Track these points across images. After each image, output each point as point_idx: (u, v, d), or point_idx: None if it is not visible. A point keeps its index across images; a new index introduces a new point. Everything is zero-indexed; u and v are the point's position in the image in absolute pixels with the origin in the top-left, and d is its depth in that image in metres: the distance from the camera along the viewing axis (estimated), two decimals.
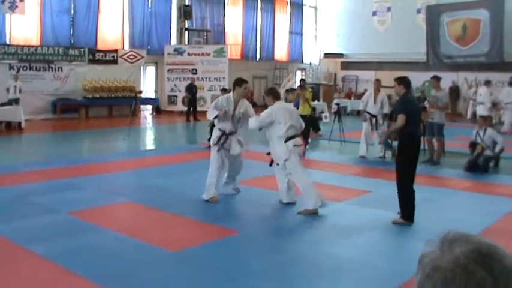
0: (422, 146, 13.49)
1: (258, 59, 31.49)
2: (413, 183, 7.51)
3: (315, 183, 9.64)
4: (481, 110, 16.36)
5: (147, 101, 24.96)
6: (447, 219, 7.70)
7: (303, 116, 9.97)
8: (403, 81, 7.87)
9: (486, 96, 15.59)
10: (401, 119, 7.51)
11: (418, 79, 27.88)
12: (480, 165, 11.65)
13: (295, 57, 33.72)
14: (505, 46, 26.19)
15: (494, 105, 15.32)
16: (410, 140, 7.56)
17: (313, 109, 16.43)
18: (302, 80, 18.59)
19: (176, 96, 25.83)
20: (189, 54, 25.94)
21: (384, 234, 7.01)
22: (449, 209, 8.44)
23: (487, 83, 16.29)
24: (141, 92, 22.06)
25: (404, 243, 6.80)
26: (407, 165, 7.50)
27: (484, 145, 11.86)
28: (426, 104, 14.20)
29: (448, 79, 24.58)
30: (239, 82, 8.93)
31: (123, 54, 24.01)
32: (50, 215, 7.55)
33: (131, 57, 24.12)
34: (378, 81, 13.63)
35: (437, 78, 13.12)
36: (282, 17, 32.85)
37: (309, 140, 14.58)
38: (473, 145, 12.03)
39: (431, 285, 1.10)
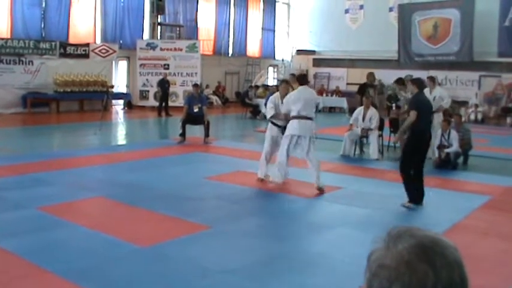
0: (393, 144, 13.85)
1: (230, 54, 31.45)
2: (410, 171, 8.38)
3: (288, 179, 9.75)
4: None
5: (118, 95, 24.80)
6: (417, 215, 7.80)
7: None
8: (416, 82, 8.62)
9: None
10: (413, 114, 8.19)
11: (390, 77, 28.11)
12: (450, 161, 11.82)
13: (268, 54, 33.73)
14: (474, 46, 26.50)
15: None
16: (419, 136, 8.29)
17: None
18: (292, 74, 18.60)
19: (148, 91, 25.70)
20: (161, 49, 25.82)
21: (354, 230, 7.07)
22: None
23: (430, 79, 13.52)
24: (112, 86, 21.90)
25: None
26: (409, 157, 8.37)
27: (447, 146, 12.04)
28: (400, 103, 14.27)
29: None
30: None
31: (95, 48, 23.77)
32: (19, 210, 7.47)
33: (103, 51, 23.90)
34: (367, 99, 13.64)
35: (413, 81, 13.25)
36: (255, 13, 32.85)
37: None
38: (440, 147, 12.17)
39: (378, 283, 1.12)
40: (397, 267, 1.10)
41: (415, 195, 8.33)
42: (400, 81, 13.37)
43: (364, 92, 14.28)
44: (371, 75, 14.66)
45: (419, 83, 8.67)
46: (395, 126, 13.46)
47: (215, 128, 16.66)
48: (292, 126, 9.41)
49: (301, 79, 10.08)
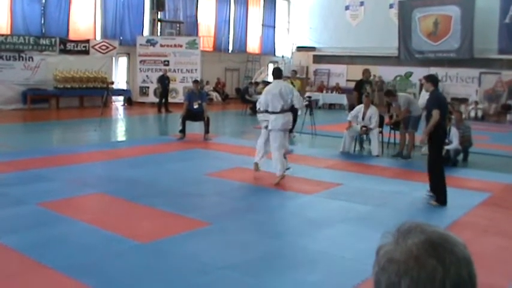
0: (393, 140, 13.88)
1: (230, 51, 31.44)
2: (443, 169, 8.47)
3: (287, 176, 9.73)
4: None
5: (118, 92, 24.74)
6: (417, 212, 7.80)
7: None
8: (431, 79, 8.71)
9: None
10: (436, 113, 8.20)
11: (390, 73, 28.16)
12: (450, 158, 11.82)
13: (268, 50, 33.71)
14: (475, 43, 26.52)
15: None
16: (442, 132, 8.47)
17: None
18: (294, 71, 18.68)
19: (148, 87, 25.69)
20: (161, 45, 25.80)
21: (354, 227, 7.07)
22: (418, 202, 8.54)
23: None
24: (112, 83, 21.87)
25: (373, 236, 6.84)
26: (438, 154, 8.47)
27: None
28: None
29: (419, 74, 24.82)
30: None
31: (95, 45, 23.76)
32: (19, 206, 7.47)
33: (103, 47, 23.88)
34: (367, 98, 13.63)
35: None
36: (255, 10, 32.82)
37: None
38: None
39: (386, 277, 1.12)
40: (406, 261, 1.10)
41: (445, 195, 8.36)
42: (389, 93, 13.37)
43: (361, 89, 14.31)
44: (367, 72, 14.82)
45: (433, 80, 8.77)
46: (395, 124, 13.45)
47: (215, 125, 16.65)
48: (275, 121, 9.49)
49: (274, 73, 10.06)
